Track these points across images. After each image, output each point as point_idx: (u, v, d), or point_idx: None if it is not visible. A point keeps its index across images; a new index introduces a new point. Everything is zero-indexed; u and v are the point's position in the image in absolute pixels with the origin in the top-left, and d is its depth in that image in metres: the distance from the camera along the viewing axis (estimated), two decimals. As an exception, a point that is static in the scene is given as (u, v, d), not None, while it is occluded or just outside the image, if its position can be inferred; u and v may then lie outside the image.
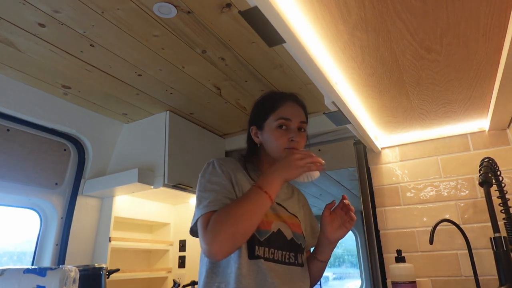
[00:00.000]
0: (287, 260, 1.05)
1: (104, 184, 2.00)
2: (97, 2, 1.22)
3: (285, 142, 1.07)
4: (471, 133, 1.63)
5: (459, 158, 1.63)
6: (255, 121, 1.17)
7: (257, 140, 1.15)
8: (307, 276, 1.11)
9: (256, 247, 0.99)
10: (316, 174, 1.03)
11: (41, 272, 1.12)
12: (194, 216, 1.01)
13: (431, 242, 1.34)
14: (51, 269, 1.13)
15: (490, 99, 1.33)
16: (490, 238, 1.29)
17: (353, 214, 1.05)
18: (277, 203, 1.10)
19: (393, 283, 1.44)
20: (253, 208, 0.93)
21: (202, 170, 1.10)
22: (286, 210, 1.12)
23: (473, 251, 1.42)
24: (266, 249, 1.01)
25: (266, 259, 1.00)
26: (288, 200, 1.16)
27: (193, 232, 1.02)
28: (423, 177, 1.67)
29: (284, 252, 1.05)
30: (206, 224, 0.94)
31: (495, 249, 1.27)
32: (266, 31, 0.75)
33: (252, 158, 1.19)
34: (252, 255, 0.99)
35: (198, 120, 2.24)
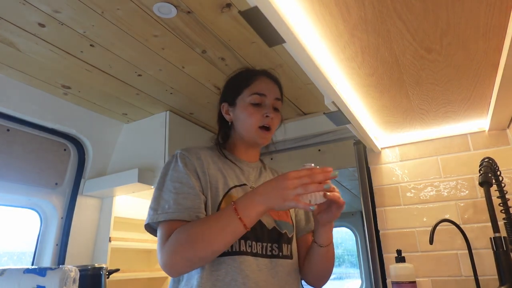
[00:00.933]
0: (269, 253, 0.93)
1: (104, 184, 2.00)
2: (97, 2, 1.22)
3: (259, 119, 1.00)
4: (471, 133, 1.63)
5: (459, 158, 1.63)
6: (226, 97, 1.09)
7: (228, 117, 1.07)
8: (296, 270, 1.01)
9: None
10: (319, 197, 0.83)
11: (41, 272, 1.12)
12: (148, 214, 0.91)
13: (431, 242, 1.34)
14: (51, 269, 1.13)
15: (490, 99, 1.33)
16: (490, 238, 1.29)
17: (338, 200, 0.86)
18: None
19: (393, 283, 1.45)
20: (219, 234, 0.79)
21: (165, 164, 0.98)
22: None
23: (473, 251, 1.42)
24: (242, 241, 0.89)
25: (242, 253, 0.87)
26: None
27: (150, 228, 0.93)
28: (423, 177, 1.67)
29: (264, 244, 0.92)
30: (166, 237, 0.84)
31: (495, 249, 1.27)
32: (266, 31, 0.75)
33: (225, 141, 1.10)
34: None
35: (198, 120, 2.24)
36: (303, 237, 1.09)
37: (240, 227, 0.79)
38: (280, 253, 0.96)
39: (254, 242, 0.91)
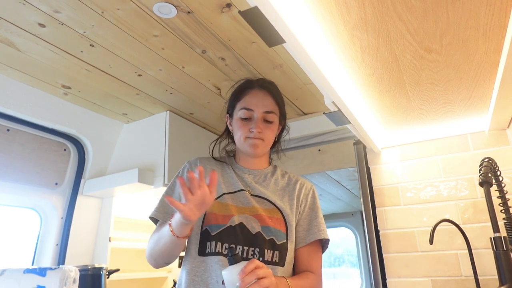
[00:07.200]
0: (250, 256, 0.98)
1: (104, 184, 2.00)
2: (97, 2, 1.22)
3: (245, 133, 1.07)
4: (471, 133, 1.63)
5: (459, 158, 1.63)
6: (228, 109, 1.18)
7: (230, 128, 1.17)
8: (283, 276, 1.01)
9: (208, 243, 0.99)
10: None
11: (41, 272, 1.12)
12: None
13: (431, 242, 1.34)
14: (51, 269, 1.13)
15: (490, 99, 1.33)
16: (490, 238, 1.29)
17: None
18: (258, 196, 1.07)
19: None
20: (163, 245, 0.98)
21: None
22: (270, 202, 1.07)
23: (473, 251, 1.42)
24: (219, 243, 0.98)
25: (215, 254, 0.98)
26: (278, 192, 1.12)
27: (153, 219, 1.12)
28: (423, 177, 1.67)
29: (244, 247, 0.98)
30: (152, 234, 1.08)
31: (495, 249, 1.27)
32: (266, 31, 0.75)
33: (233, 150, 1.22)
34: (202, 252, 1.00)
35: (198, 120, 2.24)
36: (298, 250, 1.09)
37: (173, 238, 0.94)
38: (261, 258, 0.99)
39: (230, 245, 0.99)
